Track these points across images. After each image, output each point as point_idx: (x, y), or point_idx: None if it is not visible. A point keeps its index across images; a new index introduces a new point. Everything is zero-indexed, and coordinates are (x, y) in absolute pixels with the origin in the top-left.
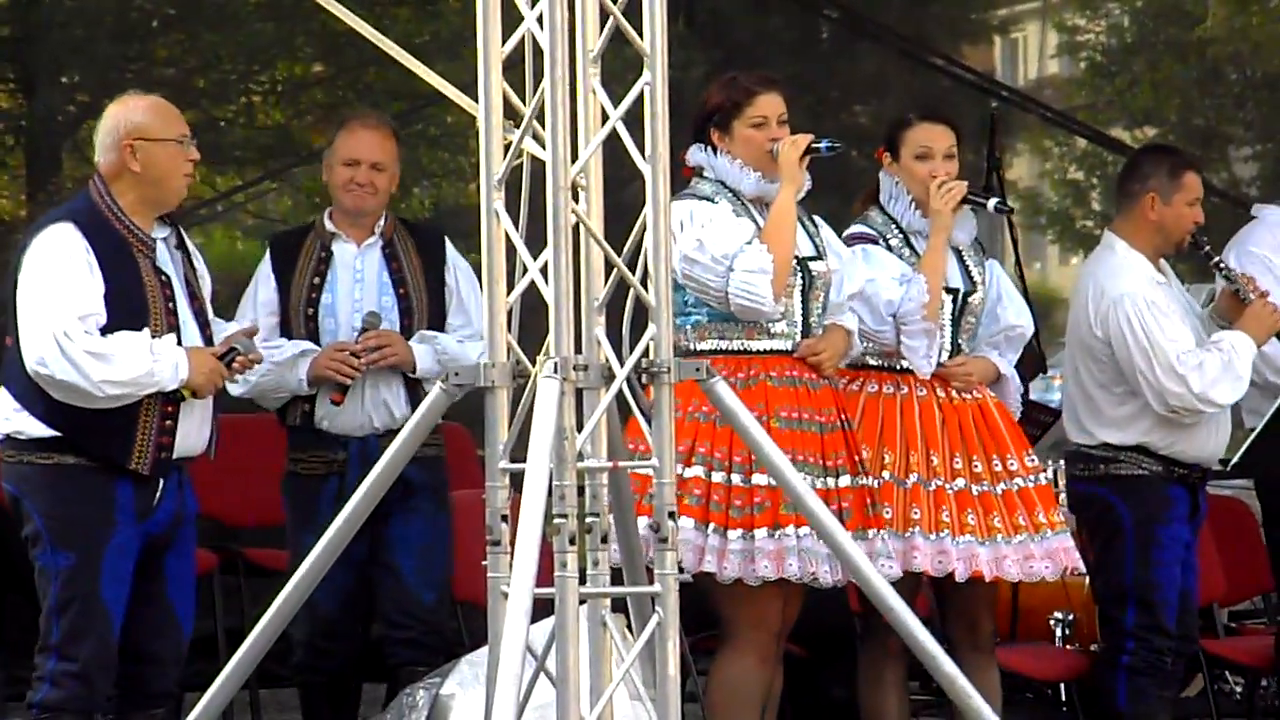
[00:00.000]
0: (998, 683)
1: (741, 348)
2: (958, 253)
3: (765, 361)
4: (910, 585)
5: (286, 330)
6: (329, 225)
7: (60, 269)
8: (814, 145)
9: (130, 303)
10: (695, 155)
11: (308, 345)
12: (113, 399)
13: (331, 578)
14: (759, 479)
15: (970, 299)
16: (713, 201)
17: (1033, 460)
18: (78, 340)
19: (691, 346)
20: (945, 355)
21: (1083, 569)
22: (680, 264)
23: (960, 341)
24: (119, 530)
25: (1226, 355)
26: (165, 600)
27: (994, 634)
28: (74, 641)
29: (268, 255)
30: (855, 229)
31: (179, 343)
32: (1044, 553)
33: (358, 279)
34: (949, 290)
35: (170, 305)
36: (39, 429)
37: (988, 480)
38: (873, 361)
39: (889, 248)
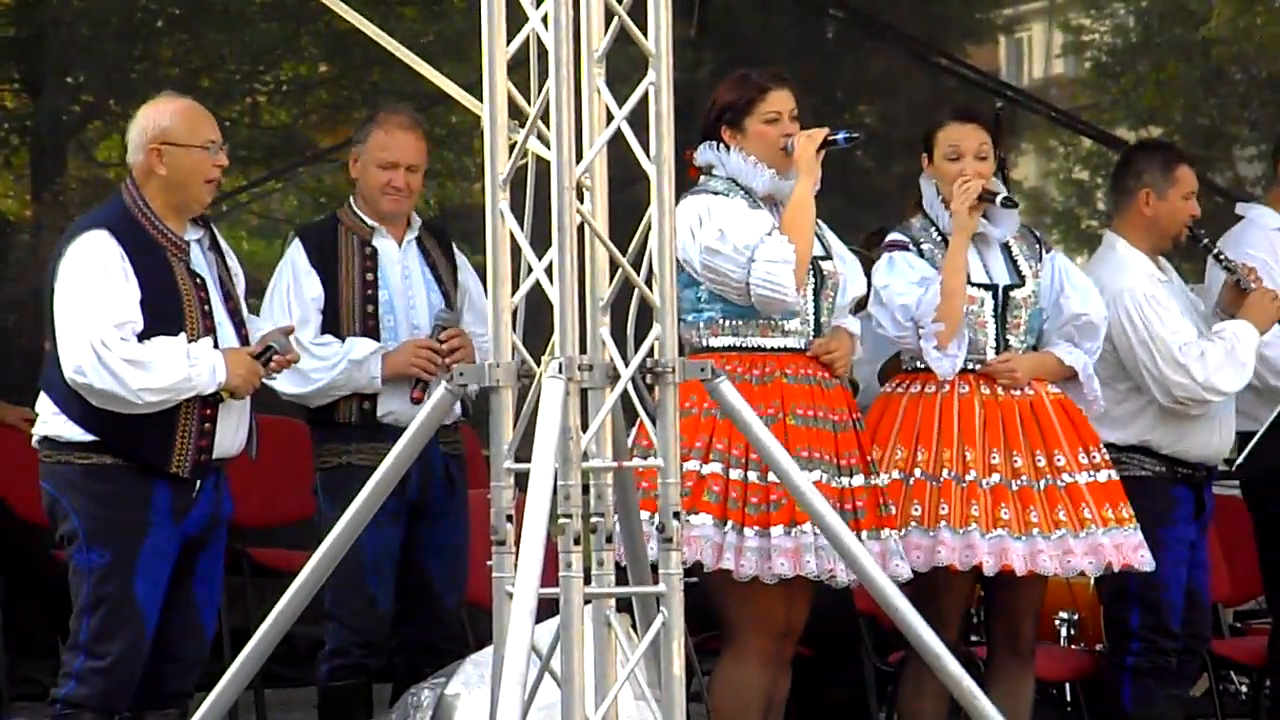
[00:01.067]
0: (1030, 693)
1: (756, 345)
2: (1005, 247)
3: (780, 359)
4: (965, 583)
5: (334, 327)
6: (367, 220)
7: (96, 277)
8: (831, 138)
9: (166, 307)
10: (705, 153)
11: (375, 343)
12: (151, 405)
13: (387, 573)
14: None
15: (1014, 293)
16: (727, 197)
17: (1092, 457)
18: (115, 349)
19: (705, 343)
20: (991, 353)
21: (1145, 565)
22: (701, 256)
23: (1009, 337)
24: (155, 530)
25: (1229, 343)
26: (192, 600)
27: (1034, 641)
28: (103, 640)
29: (302, 250)
30: (891, 236)
31: (215, 345)
32: (1086, 548)
33: (406, 276)
34: (988, 287)
35: (206, 308)
36: (77, 433)
37: (1028, 475)
38: (920, 365)
39: (920, 253)
